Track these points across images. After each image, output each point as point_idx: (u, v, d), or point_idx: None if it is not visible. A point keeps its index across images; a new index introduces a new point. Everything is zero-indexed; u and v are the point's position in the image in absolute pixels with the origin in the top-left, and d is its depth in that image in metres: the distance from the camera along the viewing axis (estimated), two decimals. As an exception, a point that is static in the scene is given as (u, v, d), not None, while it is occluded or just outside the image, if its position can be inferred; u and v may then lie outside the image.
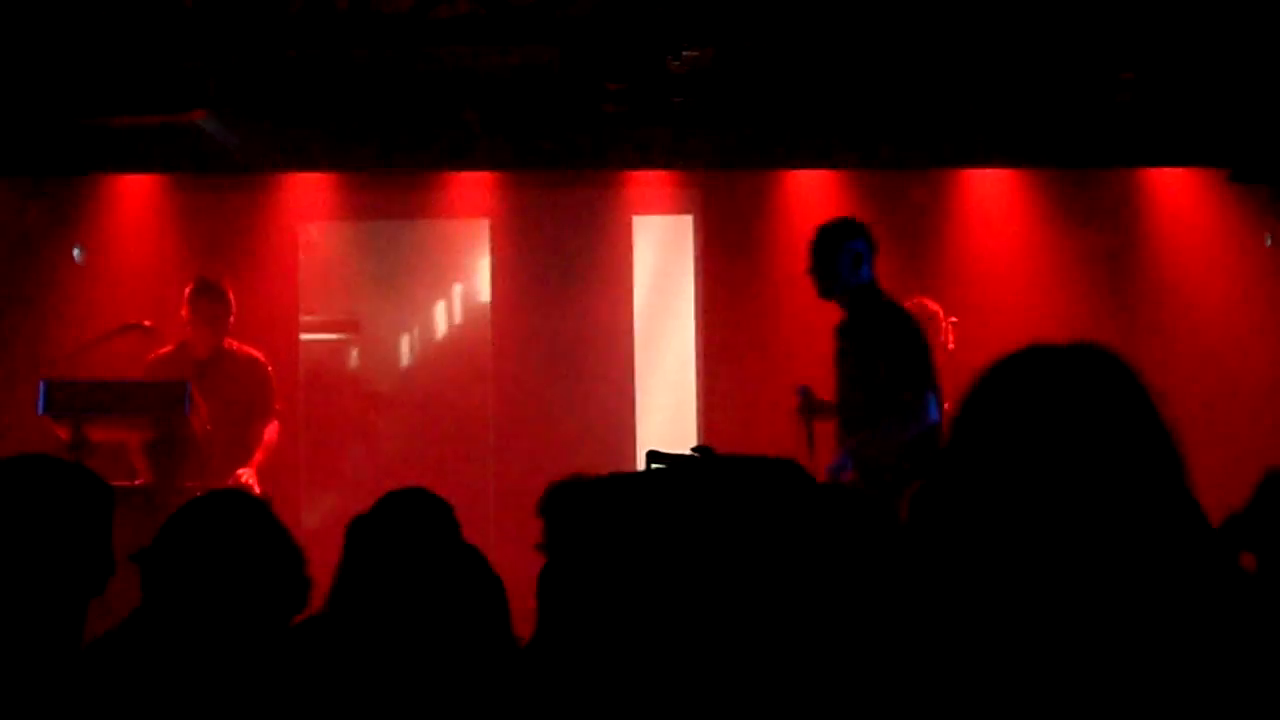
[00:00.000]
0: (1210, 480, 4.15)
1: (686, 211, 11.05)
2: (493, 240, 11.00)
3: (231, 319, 9.32)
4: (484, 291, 11.01)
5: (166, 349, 9.36)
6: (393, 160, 10.62)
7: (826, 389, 10.53)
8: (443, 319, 11.53)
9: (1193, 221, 10.85)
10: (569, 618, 3.90)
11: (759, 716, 2.94)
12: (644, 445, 10.57)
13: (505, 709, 3.66)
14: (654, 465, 4.91)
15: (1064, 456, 2.16)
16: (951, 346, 9.66)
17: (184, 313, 9.31)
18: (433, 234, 11.17)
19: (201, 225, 10.68)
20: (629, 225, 11.01)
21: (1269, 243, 10.83)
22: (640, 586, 3.40)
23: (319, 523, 9.29)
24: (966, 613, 2.13)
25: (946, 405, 9.27)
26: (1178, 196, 10.89)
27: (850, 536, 3.35)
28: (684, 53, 9.22)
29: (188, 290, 9.38)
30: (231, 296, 9.33)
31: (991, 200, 10.91)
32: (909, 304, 9.88)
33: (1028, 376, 2.25)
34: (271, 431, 9.20)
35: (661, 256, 11.08)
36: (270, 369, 9.34)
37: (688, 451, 4.90)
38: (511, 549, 5.92)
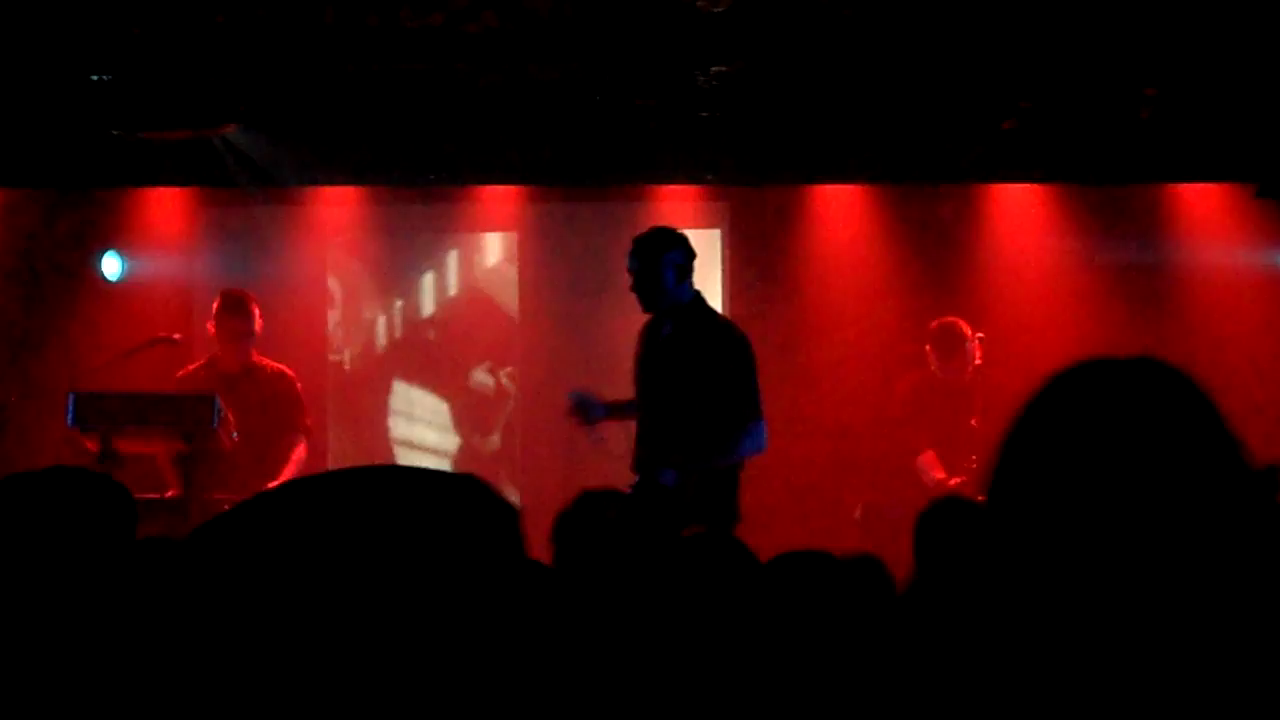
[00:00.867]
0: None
1: (714, 226, 11.04)
2: (520, 254, 11.01)
3: (258, 333, 9.35)
4: (513, 304, 11.02)
5: (196, 364, 9.40)
6: (421, 174, 10.66)
7: (852, 402, 10.56)
8: (471, 333, 11.54)
9: (1218, 236, 10.82)
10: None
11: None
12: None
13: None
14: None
15: (1133, 473, 2.14)
16: (979, 362, 9.66)
17: (211, 327, 9.35)
18: (461, 247, 11.18)
19: (231, 239, 10.73)
20: (658, 239, 11.00)
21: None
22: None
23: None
24: (1037, 628, 2.12)
25: (974, 421, 9.30)
26: (1203, 212, 10.86)
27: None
28: (712, 68, 9.24)
29: (215, 305, 9.41)
30: (257, 311, 9.36)
31: (1018, 215, 10.89)
32: (937, 324, 9.88)
33: (1091, 390, 2.23)
34: (300, 447, 9.22)
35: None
36: (298, 384, 9.35)
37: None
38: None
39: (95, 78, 9.13)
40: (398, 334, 11.13)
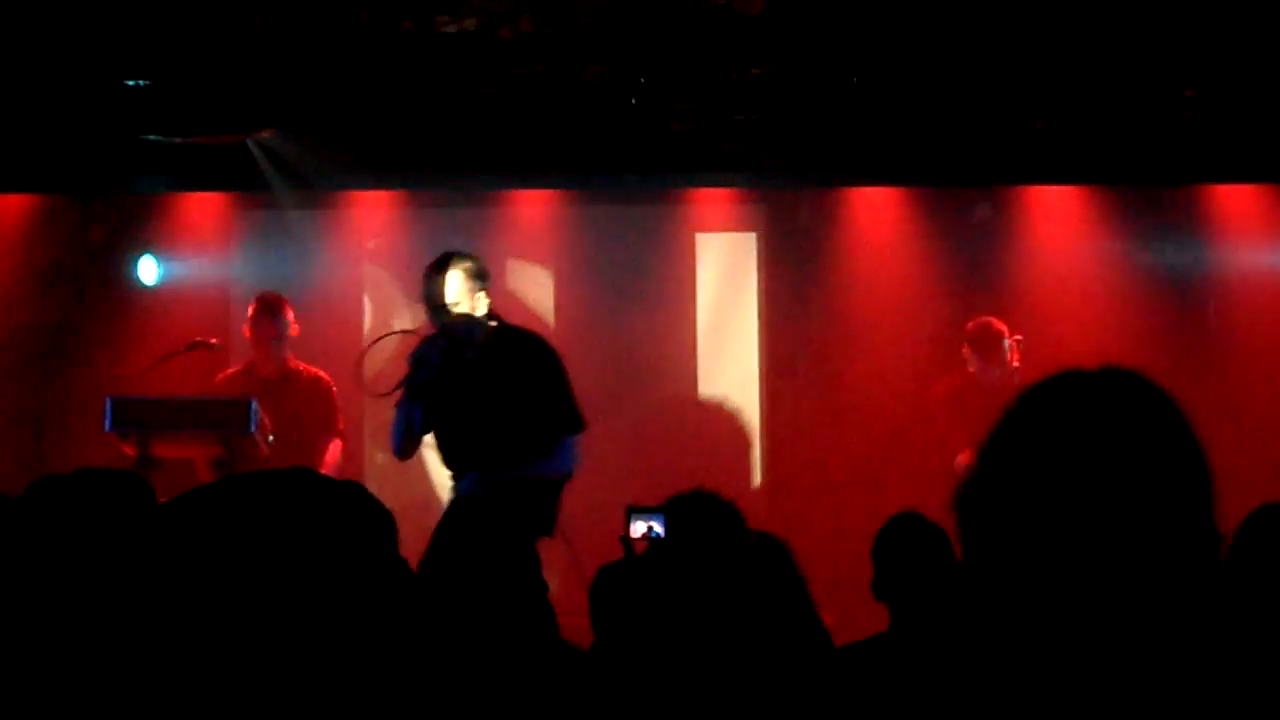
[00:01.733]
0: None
1: (749, 229, 11.04)
2: (556, 257, 11.01)
3: (293, 336, 9.38)
4: (547, 308, 11.01)
5: (235, 368, 9.44)
6: (457, 177, 10.67)
7: (889, 404, 10.54)
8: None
9: (1257, 237, 10.76)
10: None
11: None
12: (705, 464, 10.62)
13: None
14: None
15: (1094, 482, 2.15)
16: (1017, 364, 9.63)
17: (246, 331, 9.38)
18: (496, 250, 11.17)
19: (267, 243, 10.75)
20: (692, 242, 11.01)
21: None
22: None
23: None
24: (1006, 635, 2.14)
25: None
26: (1242, 212, 10.81)
27: None
28: (748, 71, 9.24)
29: (250, 309, 9.44)
30: (292, 314, 9.39)
31: (1056, 217, 10.86)
32: (974, 325, 9.85)
33: (1058, 402, 2.25)
34: (334, 450, 9.25)
35: (724, 274, 11.07)
36: (334, 388, 9.37)
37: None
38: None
39: (132, 83, 9.16)
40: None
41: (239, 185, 10.64)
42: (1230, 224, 10.82)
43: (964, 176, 10.60)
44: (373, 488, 2.39)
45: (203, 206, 10.83)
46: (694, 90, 9.57)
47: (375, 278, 10.99)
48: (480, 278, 7.83)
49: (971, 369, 9.74)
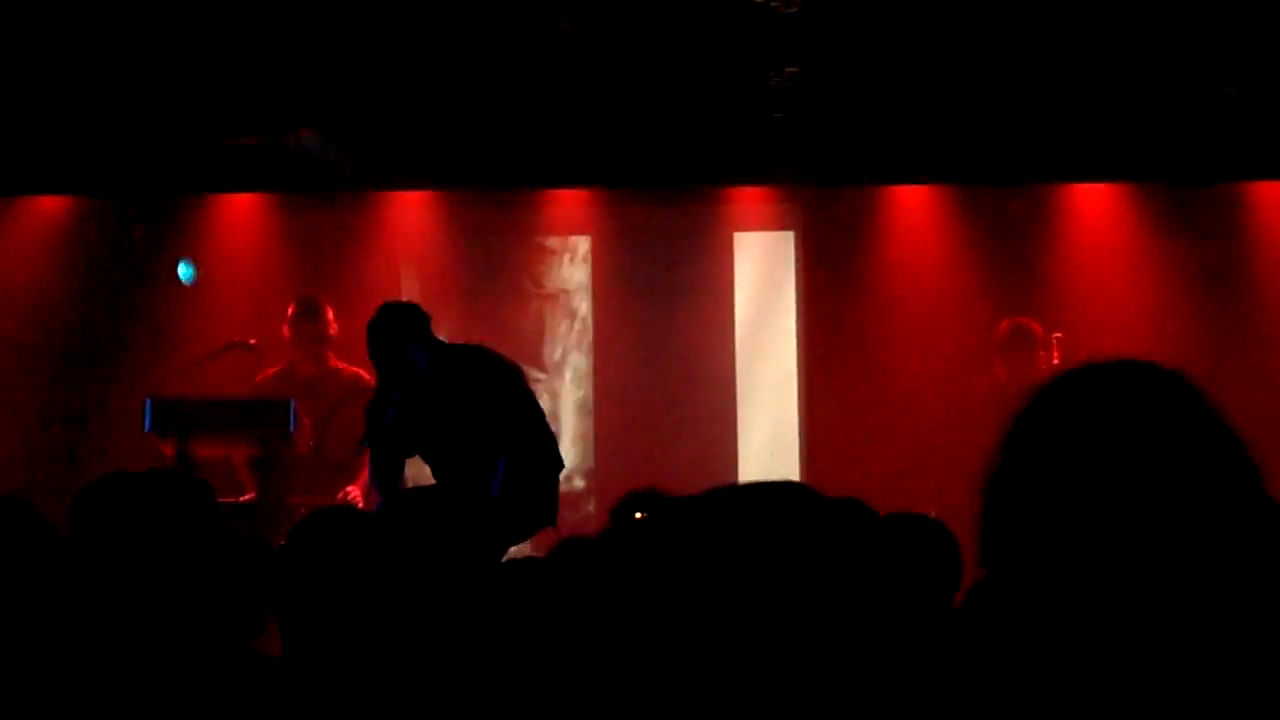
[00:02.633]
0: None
1: (788, 228, 11.02)
2: (594, 257, 11.02)
3: (332, 337, 9.39)
4: (585, 307, 11.02)
5: (275, 368, 9.46)
6: (495, 177, 10.67)
7: (927, 403, 10.50)
8: (543, 335, 11.55)
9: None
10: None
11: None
12: (745, 463, 10.61)
13: None
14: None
15: (1120, 473, 2.13)
16: (1056, 362, 9.59)
17: (285, 331, 9.41)
18: (534, 250, 11.17)
19: (305, 243, 10.77)
20: (730, 242, 10.99)
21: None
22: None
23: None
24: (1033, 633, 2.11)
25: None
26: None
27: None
28: (785, 69, 9.22)
29: (289, 310, 9.47)
30: (331, 315, 9.40)
31: (1094, 215, 10.81)
32: (1008, 323, 9.81)
33: (1080, 394, 2.23)
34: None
35: (763, 273, 11.05)
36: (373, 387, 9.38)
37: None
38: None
39: (170, 84, 9.19)
40: (471, 338, 11.14)
41: (277, 186, 10.67)
42: (1270, 220, 10.76)
43: (1002, 174, 10.57)
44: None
45: (241, 207, 10.85)
46: (731, 89, 9.56)
47: (412, 277, 11.00)
48: (405, 330, 7.67)
49: (1002, 375, 9.70)
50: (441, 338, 8.05)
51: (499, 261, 11.12)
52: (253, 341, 9.42)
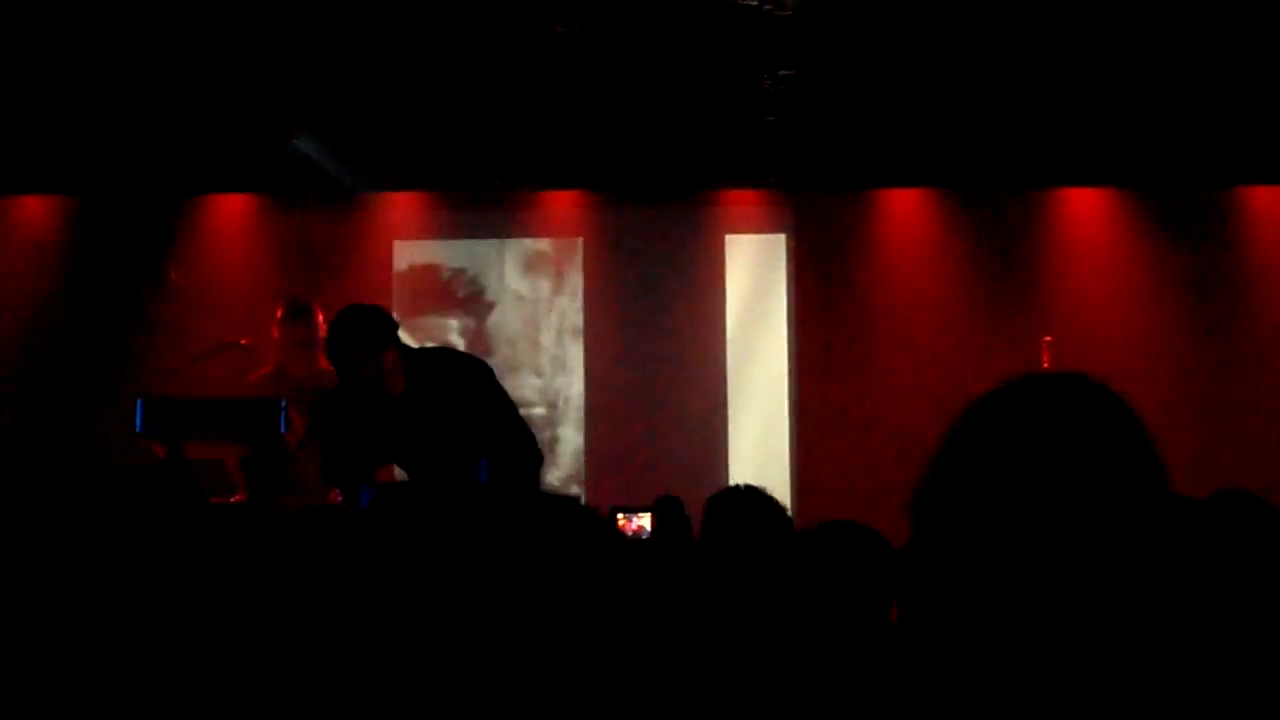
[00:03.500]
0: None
1: (780, 230, 11.04)
2: (586, 259, 11.03)
3: (322, 339, 9.39)
4: (577, 309, 11.03)
5: (265, 369, 9.45)
6: (487, 179, 10.68)
7: (917, 404, 10.51)
8: (535, 338, 11.57)
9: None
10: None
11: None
12: (736, 464, 10.63)
13: None
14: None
15: (1044, 483, 2.16)
16: (1046, 365, 9.60)
17: (275, 334, 9.40)
18: (526, 252, 11.19)
19: (297, 244, 10.78)
20: (722, 244, 11.01)
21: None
22: None
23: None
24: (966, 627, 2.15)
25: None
26: (1275, 215, 10.77)
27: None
28: (779, 72, 9.23)
29: (278, 313, 9.46)
30: (320, 318, 9.40)
31: (1085, 219, 10.83)
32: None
33: (1013, 406, 2.26)
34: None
35: (754, 276, 11.06)
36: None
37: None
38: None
39: (165, 85, 9.20)
40: (462, 338, 11.15)
41: (270, 186, 10.68)
42: (1264, 226, 10.78)
43: (994, 179, 10.59)
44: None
45: (231, 208, 10.85)
46: (724, 91, 9.57)
47: (403, 278, 11.00)
48: (376, 341, 7.53)
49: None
50: (410, 343, 7.97)
51: (492, 263, 11.13)
52: (245, 342, 9.42)
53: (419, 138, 10.25)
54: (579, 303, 11.03)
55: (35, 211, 10.72)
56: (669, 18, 8.54)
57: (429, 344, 9.27)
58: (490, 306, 11.13)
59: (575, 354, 11.01)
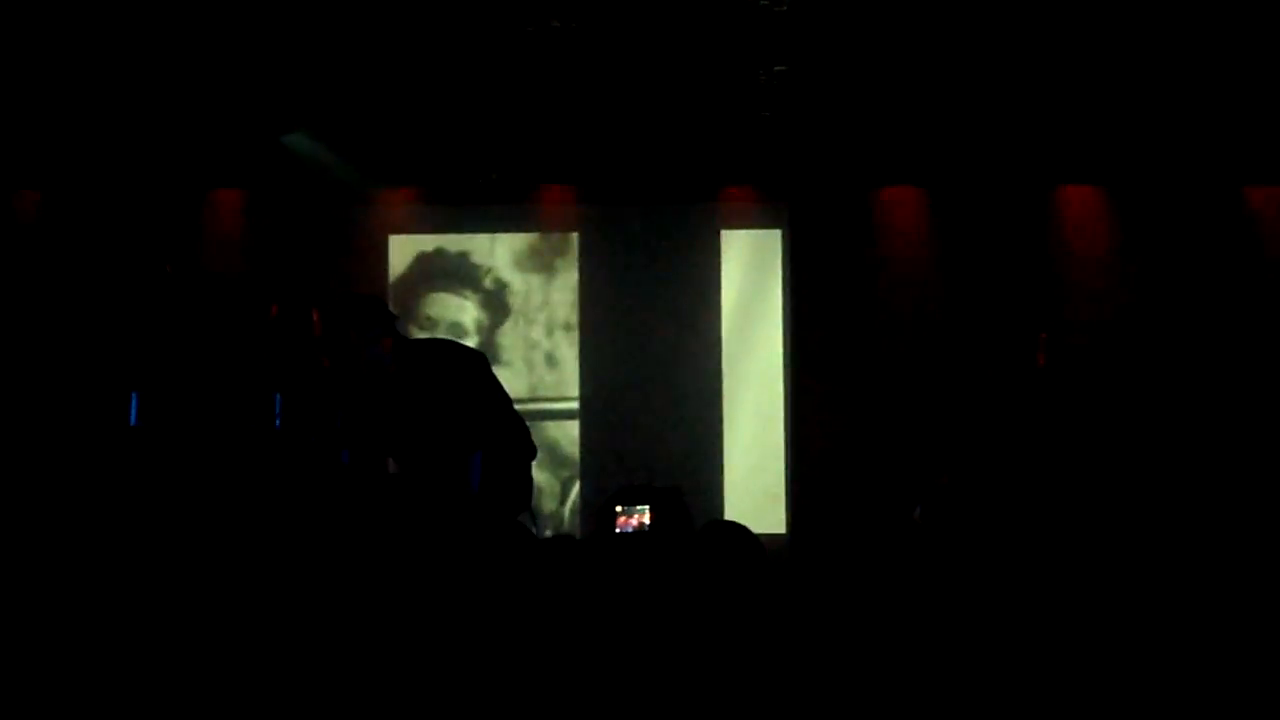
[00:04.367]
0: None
1: (775, 226, 11.04)
2: (581, 254, 11.04)
3: (316, 337, 9.38)
4: (572, 305, 11.03)
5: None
6: (483, 176, 10.69)
7: (910, 405, 10.52)
8: (531, 333, 11.58)
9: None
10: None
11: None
12: (731, 459, 10.64)
13: None
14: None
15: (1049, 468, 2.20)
16: (1043, 362, 9.61)
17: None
18: (521, 248, 11.20)
19: (293, 240, 10.78)
20: (717, 239, 11.02)
21: None
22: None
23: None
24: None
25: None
26: (1272, 214, 10.79)
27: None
28: (774, 68, 9.23)
29: (272, 311, 9.46)
30: (316, 316, 9.39)
31: (1081, 217, 10.84)
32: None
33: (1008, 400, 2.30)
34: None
35: (750, 271, 11.07)
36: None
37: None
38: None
39: (161, 81, 9.20)
40: (457, 333, 11.16)
41: (266, 183, 10.69)
42: (1260, 224, 10.79)
43: (990, 175, 10.60)
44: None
45: (230, 204, 10.85)
46: (720, 86, 9.58)
47: (400, 273, 11.01)
48: (372, 326, 7.53)
49: None
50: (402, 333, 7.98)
51: (487, 258, 11.14)
52: (240, 336, 9.44)
53: (415, 134, 10.25)
54: (574, 298, 11.04)
55: (34, 206, 10.72)
56: (664, 14, 8.54)
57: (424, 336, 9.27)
58: (485, 302, 11.13)
59: (570, 349, 11.02)
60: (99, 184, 10.62)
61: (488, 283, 11.11)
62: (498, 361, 10.93)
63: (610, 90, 9.63)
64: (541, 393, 11.01)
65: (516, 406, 7.59)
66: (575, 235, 11.09)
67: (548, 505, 10.57)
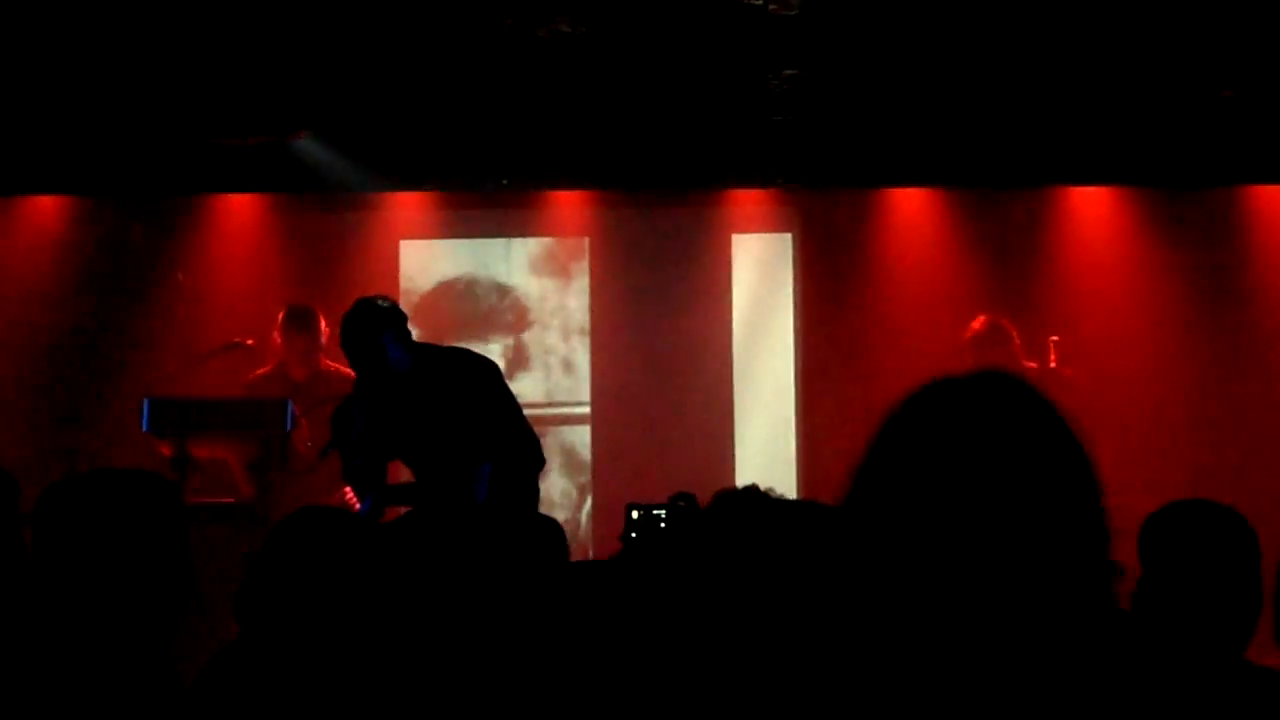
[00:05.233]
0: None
1: (786, 230, 11.03)
2: (592, 258, 11.03)
3: (324, 345, 9.39)
4: (584, 309, 11.03)
5: (265, 369, 9.46)
6: (493, 178, 10.69)
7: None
8: (545, 338, 11.57)
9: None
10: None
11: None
12: (742, 464, 10.62)
13: None
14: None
15: (968, 485, 2.16)
16: (1053, 364, 9.60)
17: (276, 338, 9.42)
18: (532, 252, 11.19)
19: (303, 244, 10.79)
20: (728, 243, 11.01)
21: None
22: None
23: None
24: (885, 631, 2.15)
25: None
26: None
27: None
28: (784, 71, 9.22)
29: (279, 317, 9.47)
30: (323, 323, 9.40)
31: (1091, 218, 10.81)
32: (984, 320, 9.76)
33: (932, 409, 2.27)
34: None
35: (761, 275, 11.06)
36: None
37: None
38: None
39: (170, 84, 9.21)
40: (468, 339, 11.17)
41: (275, 186, 10.69)
42: (1267, 224, 10.76)
43: (1000, 177, 10.58)
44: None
45: (238, 207, 10.86)
46: (730, 90, 9.57)
47: (410, 278, 11.02)
48: (383, 327, 7.49)
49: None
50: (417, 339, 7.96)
51: (498, 263, 11.14)
52: (250, 342, 9.44)
53: (425, 137, 10.25)
54: (585, 302, 11.03)
55: (43, 211, 10.74)
56: (675, 17, 8.54)
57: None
58: (496, 306, 11.13)
59: (582, 354, 11.01)
60: (107, 188, 10.63)
61: (498, 287, 11.11)
62: (512, 366, 10.94)
63: (621, 95, 9.63)
64: (557, 397, 11.01)
65: (532, 412, 7.60)
66: (587, 240, 11.08)
67: (562, 512, 10.55)
